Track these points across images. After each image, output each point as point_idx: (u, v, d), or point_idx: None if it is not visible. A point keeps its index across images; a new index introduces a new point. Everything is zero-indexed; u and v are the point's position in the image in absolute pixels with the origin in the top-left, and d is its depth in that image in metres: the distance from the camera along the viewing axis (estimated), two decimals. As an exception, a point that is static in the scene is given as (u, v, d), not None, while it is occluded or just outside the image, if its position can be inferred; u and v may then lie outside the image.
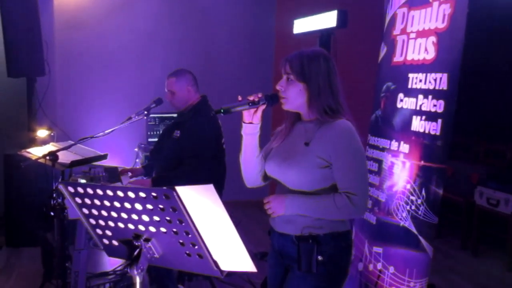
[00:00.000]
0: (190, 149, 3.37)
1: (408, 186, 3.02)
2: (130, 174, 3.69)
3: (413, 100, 3.05)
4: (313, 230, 2.08)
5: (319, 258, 2.05)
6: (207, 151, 3.40)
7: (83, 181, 3.27)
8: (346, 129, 2.06)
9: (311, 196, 2.07)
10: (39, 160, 3.14)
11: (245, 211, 6.13)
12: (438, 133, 2.81)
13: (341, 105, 2.13)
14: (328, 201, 2.03)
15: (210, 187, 1.47)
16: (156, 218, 1.58)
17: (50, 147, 3.41)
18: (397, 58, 3.27)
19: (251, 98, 2.07)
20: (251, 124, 2.14)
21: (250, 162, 2.22)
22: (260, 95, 2.09)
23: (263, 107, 2.10)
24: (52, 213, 3.16)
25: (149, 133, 5.60)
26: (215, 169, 3.49)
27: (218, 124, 3.56)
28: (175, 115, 5.45)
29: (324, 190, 2.07)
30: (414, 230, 2.93)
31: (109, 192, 1.59)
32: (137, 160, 5.47)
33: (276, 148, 2.22)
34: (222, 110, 2.03)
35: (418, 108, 3.00)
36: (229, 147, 3.65)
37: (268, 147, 2.27)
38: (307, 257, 2.05)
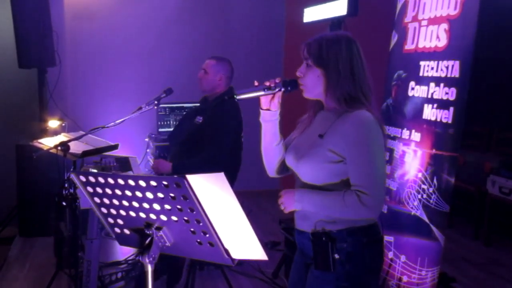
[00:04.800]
0: (211, 136, 3.36)
1: (420, 175, 3.00)
2: (139, 161, 3.68)
3: (424, 88, 3.03)
4: (326, 225, 1.96)
5: (336, 256, 1.92)
6: (226, 141, 3.39)
7: (94, 171, 3.28)
8: (364, 121, 1.90)
9: (320, 192, 1.95)
10: (51, 151, 3.15)
11: (255, 201, 6.14)
12: (450, 121, 2.80)
13: (364, 93, 1.96)
14: (337, 198, 1.89)
15: (221, 175, 1.47)
16: (167, 206, 1.58)
17: (62, 137, 3.42)
18: (409, 46, 3.24)
19: (267, 83, 1.98)
20: (268, 110, 2.05)
21: (270, 150, 2.13)
22: (277, 80, 1.99)
23: (280, 93, 2.01)
24: (64, 203, 3.18)
25: (159, 123, 5.61)
26: (231, 160, 3.49)
27: (240, 117, 3.55)
28: (186, 104, 5.48)
29: (335, 185, 1.94)
30: (425, 219, 2.92)
31: (120, 181, 1.59)
32: (147, 150, 5.50)
33: (296, 139, 2.13)
34: (235, 95, 1.97)
35: (429, 96, 2.98)
36: (245, 137, 3.66)
37: (290, 137, 2.18)
38: (322, 255, 1.94)
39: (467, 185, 5.24)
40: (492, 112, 5.89)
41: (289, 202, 2.00)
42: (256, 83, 2.01)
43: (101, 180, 1.64)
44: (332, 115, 1.99)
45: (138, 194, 1.59)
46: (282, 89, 2.00)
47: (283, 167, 2.19)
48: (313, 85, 2.00)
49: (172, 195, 1.53)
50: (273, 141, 2.11)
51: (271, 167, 2.20)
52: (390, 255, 3.22)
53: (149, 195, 1.57)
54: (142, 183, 1.55)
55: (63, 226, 3.78)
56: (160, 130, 5.59)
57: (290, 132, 2.21)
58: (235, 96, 1.97)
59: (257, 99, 2.05)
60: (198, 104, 3.78)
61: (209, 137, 3.38)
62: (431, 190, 2.90)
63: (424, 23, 3.09)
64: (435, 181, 2.88)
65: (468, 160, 5.33)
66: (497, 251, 4.97)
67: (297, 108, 2.32)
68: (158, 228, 1.65)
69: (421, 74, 3.08)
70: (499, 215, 5.09)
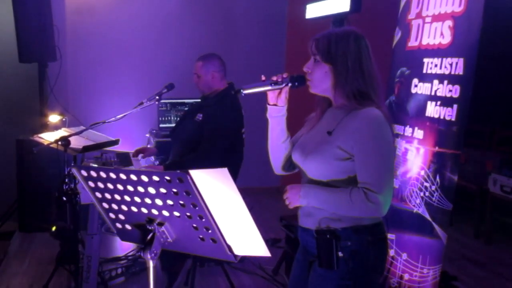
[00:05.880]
0: (208, 133, 3.36)
1: (422, 173, 2.99)
2: (141, 155, 3.66)
3: (428, 85, 3.01)
4: (331, 223, 1.93)
5: (340, 254, 1.91)
6: (224, 139, 3.38)
7: (95, 165, 3.27)
8: (373, 119, 1.88)
9: (327, 188, 1.92)
10: (51, 145, 3.14)
11: (257, 197, 6.12)
12: (453, 119, 2.78)
13: (374, 89, 1.94)
14: (344, 195, 1.87)
15: (224, 170, 1.45)
16: (169, 202, 1.56)
17: (62, 132, 3.41)
18: (412, 43, 3.22)
19: (274, 78, 1.96)
20: (275, 106, 2.03)
21: (276, 147, 2.12)
22: (285, 75, 1.97)
23: (287, 88, 1.99)
24: (64, 198, 3.17)
25: (160, 118, 5.60)
26: (230, 158, 3.47)
27: (240, 113, 3.53)
28: (187, 100, 5.47)
29: (342, 182, 1.92)
30: (427, 217, 2.91)
31: (122, 176, 1.58)
32: (148, 146, 5.48)
33: (304, 136, 2.11)
34: (242, 90, 1.95)
35: (433, 93, 2.96)
36: (247, 134, 3.65)
37: (298, 134, 2.16)
38: (326, 253, 1.92)
39: (468, 184, 5.23)
40: (494, 111, 5.87)
41: (294, 198, 1.97)
42: (263, 78, 1.99)
43: (102, 174, 1.62)
44: (341, 112, 1.97)
45: (140, 189, 1.58)
46: (289, 84, 1.98)
47: (289, 164, 2.17)
48: (321, 81, 1.98)
49: (174, 190, 1.52)
50: (280, 138, 2.10)
51: (277, 164, 2.18)
52: (392, 253, 3.20)
53: (151, 190, 1.56)
54: (144, 178, 1.54)
55: (62, 223, 3.76)
56: (161, 125, 5.57)
57: (296, 129, 2.19)
58: (241, 91, 1.95)
59: (263, 96, 2.03)
60: (200, 101, 3.77)
61: (207, 134, 3.37)
62: (433, 188, 2.88)
63: (428, 20, 3.07)
64: (437, 179, 2.86)
65: (470, 159, 5.31)
66: (498, 250, 4.97)
67: (303, 105, 2.30)
68: (160, 224, 1.64)
69: (424, 71, 3.06)
70: (500, 214, 5.08)
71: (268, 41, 6.63)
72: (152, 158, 3.86)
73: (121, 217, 1.74)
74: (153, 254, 1.62)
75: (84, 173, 1.66)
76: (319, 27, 2.13)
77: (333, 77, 1.95)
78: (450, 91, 2.81)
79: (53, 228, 3.78)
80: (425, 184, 2.95)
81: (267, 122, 2.09)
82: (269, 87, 1.97)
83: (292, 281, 2.22)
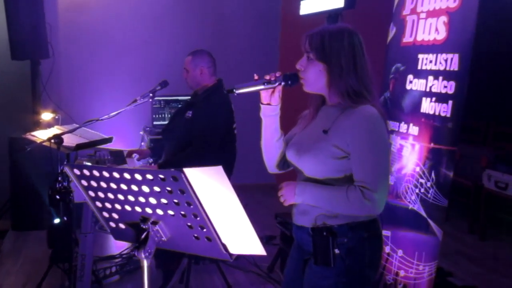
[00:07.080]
0: (199, 130, 3.36)
1: (418, 169, 2.98)
2: (137, 156, 3.67)
3: (423, 81, 3.00)
4: (327, 220, 1.92)
5: (336, 251, 1.89)
6: (214, 135, 3.37)
7: (88, 164, 3.24)
8: (369, 117, 1.87)
9: (323, 186, 1.91)
10: (44, 143, 3.12)
11: (252, 194, 6.11)
12: (448, 115, 2.77)
13: (367, 87, 1.92)
14: (340, 193, 1.86)
15: (219, 168, 1.44)
16: (163, 200, 1.55)
17: (55, 130, 3.39)
18: (407, 39, 3.21)
19: (267, 77, 1.94)
20: (269, 105, 2.01)
21: (270, 146, 2.10)
22: (278, 74, 1.95)
23: (280, 87, 1.97)
24: (58, 197, 3.15)
25: (154, 116, 5.57)
26: (221, 154, 3.46)
27: (230, 108, 3.53)
28: (181, 97, 5.45)
29: (338, 180, 1.91)
30: (423, 213, 2.90)
31: (116, 174, 1.56)
32: (142, 143, 5.45)
33: (298, 134, 2.09)
34: (234, 89, 1.92)
35: (428, 89, 2.95)
36: (239, 131, 3.63)
37: (291, 132, 2.15)
38: (322, 250, 1.90)
39: (463, 179, 5.23)
40: (488, 106, 5.87)
41: (289, 195, 1.97)
42: (256, 77, 1.97)
43: (95, 173, 1.60)
44: (336, 110, 1.95)
45: (134, 187, 1.56)
46: (283, 83, 1.96)
47: (283, 163, 2.16)
48: (314, 79, 1.96)
49: (168, 188, 1.50)
50: (274, 136, 2.08)
51: (271, 163, 2.17)
52: (387, 249, 3.20)
53: (145, 188, 1.54)
54: (138, 176, 1.52)
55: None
56: (155, 123, 5.54)
57: (290, 127, 2.17)
58: (234, 90, 1.93)
59: (257, 93, 2.00)
60: (190, 98, 3.77)
61: (197, 131, 3.36)
62: (429, 184, 2.87)
63: (422, 15, 3.06)
64: (433, 175, 2.85)
65: (465, 154, 5.31)
66: (493, 246, 4.97)
67: (297, 103, 2.28)
68: (154, 223, 1.62)
69: (419, 67, 3.05)
70: (495, 210, 5.09)
71: (262, 38, 6.61)
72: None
73: (115, 216, 1.72)
74: (147, 253, 1.60)
75: (77, 171, 1.64)
76: (313, 23, 2.11)
77: (327, 75, 1.93)
78: (445, 87, 2.80)
79: (57, 221, 3.73)
80: (421, 180, 2.95)
81: (260, 119, 2.08)
82: (262, 86, 1.95)
83: (287, 278, 2.21)
